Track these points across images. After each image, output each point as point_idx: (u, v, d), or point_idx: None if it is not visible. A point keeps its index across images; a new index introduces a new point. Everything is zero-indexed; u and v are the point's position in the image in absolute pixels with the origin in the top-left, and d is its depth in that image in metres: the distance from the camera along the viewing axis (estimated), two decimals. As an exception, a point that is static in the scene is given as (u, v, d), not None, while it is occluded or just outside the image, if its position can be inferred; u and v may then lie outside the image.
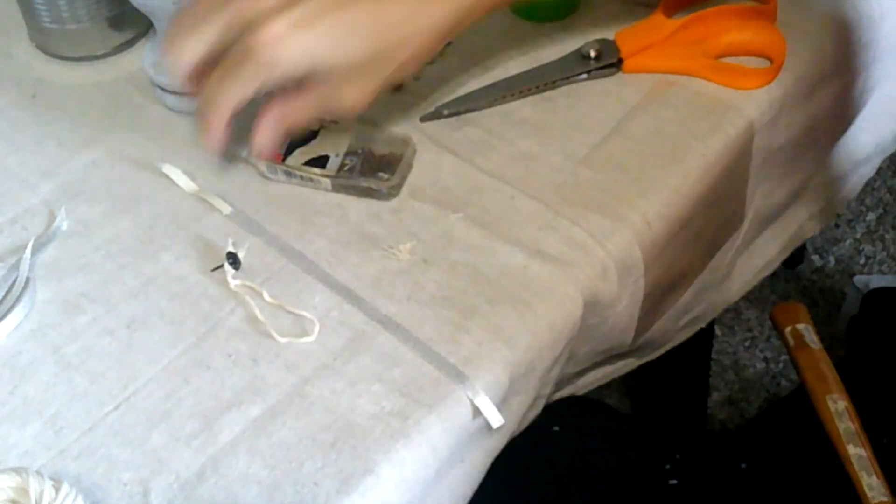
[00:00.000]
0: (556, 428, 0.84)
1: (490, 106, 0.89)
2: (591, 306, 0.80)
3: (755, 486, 0.83)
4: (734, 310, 1.79)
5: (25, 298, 0.78)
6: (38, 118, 0.91)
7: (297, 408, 0.72)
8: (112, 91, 0.93)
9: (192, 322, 0.77)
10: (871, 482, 0.79)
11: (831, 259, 1.83)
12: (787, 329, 1.23)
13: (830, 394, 0.85)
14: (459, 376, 0.73)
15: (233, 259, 0.79)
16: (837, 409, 0.84)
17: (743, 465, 0.85)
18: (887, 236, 1.85)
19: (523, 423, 0.81)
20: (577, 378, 0.93)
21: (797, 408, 0.90)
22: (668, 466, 0.81)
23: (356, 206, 0.83)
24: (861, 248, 1.84)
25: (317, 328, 0.76)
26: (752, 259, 1.03)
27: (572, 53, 0.91)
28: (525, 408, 0.79)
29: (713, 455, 0.86)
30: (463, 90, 0.89)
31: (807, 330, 1.22)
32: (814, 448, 0.84)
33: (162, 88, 0.89)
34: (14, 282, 0.78)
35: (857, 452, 0.81)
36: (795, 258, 1.82)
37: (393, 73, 0.73)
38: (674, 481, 0.81)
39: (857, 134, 1.05)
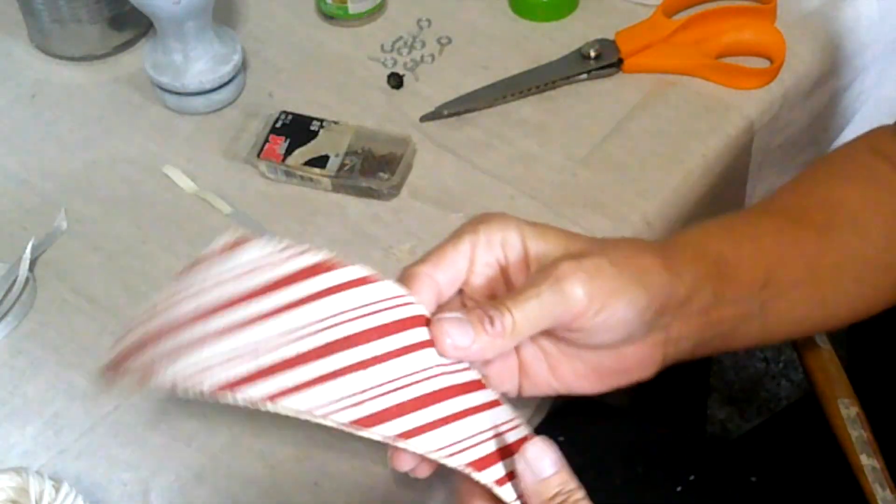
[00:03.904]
0: (560, 438, 0.83)
1: (490, 106, 0.89)
2: (591, 306, 0.80)
3: (766, 502, 0.82)
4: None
5: (25, 298, 0.78)
6: (38, 118, 0.91)
7: (297, 408, 0.72)
8: (112, 91, 0.93)
9: (192, 322, 0.77)
10: (885, 496, 0.77)
11: (831, 259, 1.83)
12: None
13: (841, 398, 0.83)
14: (459, 376, 0.72)
15: (233, 259, 0.79)
16: (849, 415, 0.81)
17: (753, 479, 0.84)
18: (887, 236, 1.85)
19: (530, 426, 0.81)
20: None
21: (805, 414, 0.89)
22: (679, 489, 0.80)
23: (356, 206, 0.83)
24: (861, 247, 1.84)
25: (317, 328, 0.76)
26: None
27: (572, 53, 0.91)
28: (530, 410, 0.79)
29: (723, 469, 0.85)
30: (463, 90, 0.89)
31: None
32: (824, 458, 0.83)
33: (162, 88, 0.89)
34: (14, 282, 0.78)
35: (870, 463, 0.78)
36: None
37: None
38: (683, 497, 0.80)
39: (856, 134, 1.05)
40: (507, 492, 0.56)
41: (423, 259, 0.58)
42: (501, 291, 0.60)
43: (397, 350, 0.55)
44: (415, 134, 0.86)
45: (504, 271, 0.60)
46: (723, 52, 0.91)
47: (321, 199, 0.84)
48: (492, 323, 0.56)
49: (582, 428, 0.83)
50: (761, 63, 0.90)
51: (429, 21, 0.96)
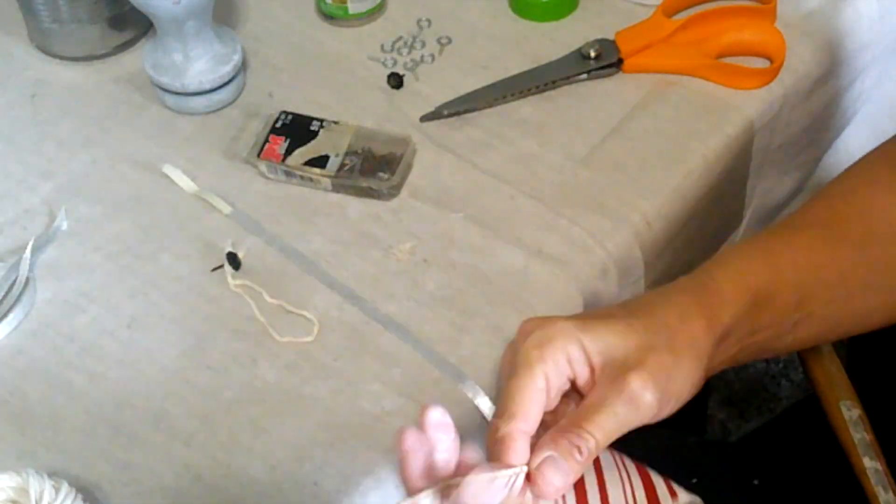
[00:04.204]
0: None
1: (490, 106, 0.89)
2: (592, 307, 0.80)
3: None
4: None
5: (25, 298, 0.78)
6: (38, 118, 0.91)
7: (297, 408, 0.72)
8: (112, 91, 0.93)
9: (192, 322, 0.77)
10: (888, 499, 0.77)
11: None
12: None
13: (843, 400, 0.83)
14: (459, 376, 0.73)
15: (233, 259, 0.79)
16: (851, 417, 0.81)
17: (755, 482, 0.84)
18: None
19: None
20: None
21: (807, 416, 0.89)
22: None
23: (356, 206, 0.83)
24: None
25: (316, 328, 0.76)
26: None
27: (572, 53, 0.91)
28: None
29: (725, 472, 0.85)
30: (463, 90, 0.89)
31: None
32: (826, 460, 0.83)
33: (162, 88, 0.89)
34: (14, 282, 0.78)
35: (872, 466, 0.78)
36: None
37: None
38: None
39: (856, 134, 1.05)
40: None
41: (511, 413, 0.60)
42: (567, 392, 0.63)
43: None
44: (415, 134, 0.86)
45: (571, 379, 0.63)
46: (723, 52, 0.91)
47: (321, 199, 0.84)
48: (580, 452, 0.59)
49: None
50: (761, 63, 0.90)
51: (429, 21, 0.96)
